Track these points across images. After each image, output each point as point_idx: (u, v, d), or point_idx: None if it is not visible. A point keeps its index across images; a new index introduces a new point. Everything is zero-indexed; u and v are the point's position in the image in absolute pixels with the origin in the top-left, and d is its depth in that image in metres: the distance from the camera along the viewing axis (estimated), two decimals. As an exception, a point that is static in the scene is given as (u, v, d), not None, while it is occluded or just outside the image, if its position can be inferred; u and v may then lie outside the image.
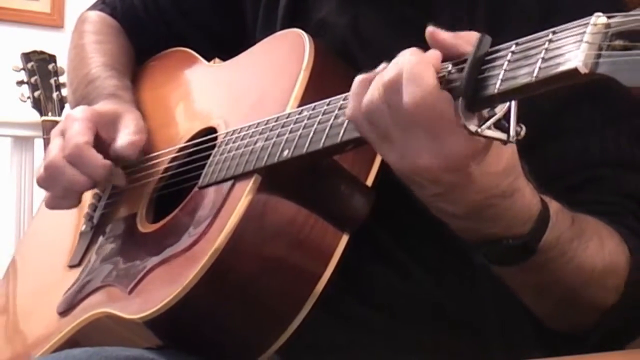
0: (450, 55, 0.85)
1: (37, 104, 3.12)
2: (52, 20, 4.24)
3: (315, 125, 0.96)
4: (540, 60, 0.76)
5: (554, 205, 0.94)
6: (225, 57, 1.30)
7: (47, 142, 2.98)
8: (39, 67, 3.15)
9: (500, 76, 0.79)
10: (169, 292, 0.98)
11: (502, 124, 0.82)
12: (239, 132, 1.07)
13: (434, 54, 0.85)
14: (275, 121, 1.02)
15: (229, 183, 1.03)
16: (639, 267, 1.00)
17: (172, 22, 1.39)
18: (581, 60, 0.73)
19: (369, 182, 1.03)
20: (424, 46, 0.86)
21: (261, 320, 1.00)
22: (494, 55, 0.81)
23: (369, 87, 0.87)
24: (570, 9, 0.87)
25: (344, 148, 0.96)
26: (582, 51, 0.73)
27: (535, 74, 0.76)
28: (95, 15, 1.45)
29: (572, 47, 0.74)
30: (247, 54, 1.21)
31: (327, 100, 0.97)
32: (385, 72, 0.86)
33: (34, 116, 3.16)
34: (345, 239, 1.01)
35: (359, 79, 0.90)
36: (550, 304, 1.01)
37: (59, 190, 1.18)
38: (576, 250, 0.95)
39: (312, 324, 0.99)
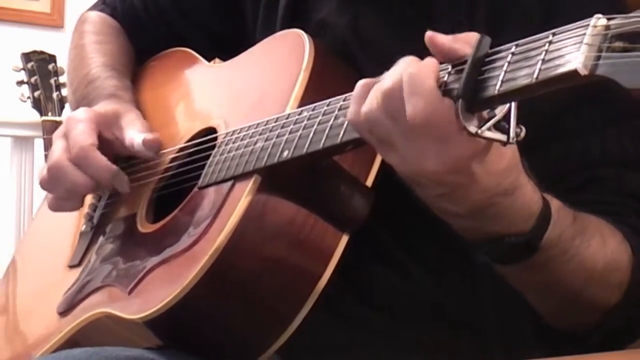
0: (450, 59, 0.85)
1: (37, 104, 3.12)
2: (52, 20, 4.24)
3: (315, 126, 0.96)
4: (540, 62, 0.76)
5: (555, 203, 0.95)
6: (225, 57, 1.30)
7: (47, 142, 2.99)
8: (39, 67, 3.15)
9: (501, 77, 0.79)
10: (169, 292, 0.98)
11: (502, 125, 0.82)
12: (239, 133, 1.07)
13: (432, 64, 0.85)
14: (275, 122, 1.02)
15: (229, 183, 1.03)
16: (641, 266, 1.00)
17: (172, 22, 1.39)
18: (581, 62, 0.73)
19: (369, 182, 1.03)
20: (424, 46, 0.86)
21: (261, 320, 1.00)
22: (493, 57, 0.81)
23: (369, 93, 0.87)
24: (571, 10, 0.87)
25: (344, 148, 0.96)
26: (582, 53, 0.73)
27: (535, 75, 0.77)
28: (96, 15, 1.45)
29: (572, 49, 0.74)
30: (247, 54, 1.21)
31: (327, 101, 0.98)
32: (384, 80, 0.86)
33: (34, 116, 3.16)
34: (345, 239, 1.01)
35: (361, 83, 0.90)
36: (552, 302, 1.01)
37: (62, 192, 1.18)
38: (578, 248, 0.96)
39: (312, 324, 0.99)
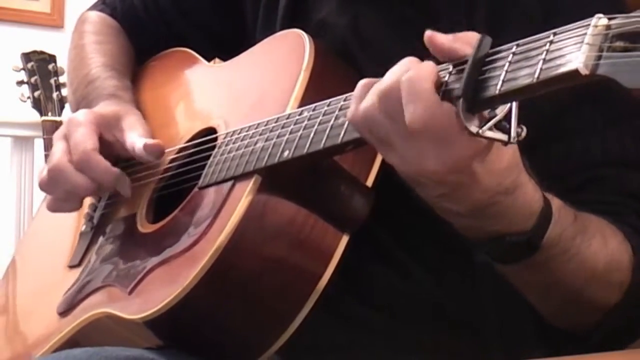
0: (449, 59, 0.85)
1: (37, 104, 3.12)
2: (52, 20, 4.24)
3: (315, 126, 0.96)
4: (541, 62, 0.76)
5: (556, 202, 0.95)
6: (225, 57, 1.30)
7: (47, 142, 2.99)
8: (39, 67, 3.15)
9: (502, 77, 0.79)
10: (169, 292, 0.98)
11: (503, 125, 0.83)
12: (239, 133, 1.07)
13: (430, 67, 0.85)
14: (276, 122, 1.02)
15: (229, 183, 1.03)
16: (642, 266, 1.00)
17: (172, 22, 1.39)
18: (582, 62, 0.73)
19: (369, 182, 1.03)
20: (424, 46, 0.86)
21: (261, 320, 1.00)
22: (494, 57, 0.81)
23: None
24: (571, 10, 0.87)
25: (345, 148, 0.96)
26: (583, 52, 0.73)
27: (536, 75, 0.77)
28: (96, 15, 1.45)
29: (573, 49, 0.74)
30: (247, 54, 1.21)
31: (327, 101, 0.98)
32: (382, 81, 0.86)
33: (34, 116, 3.16)
34: (345, 239, 1.01)
35: (361, 83, 0.90)
36: (553, 302, 1.01)
37: (62, 194, 1.18)
38: (579, 247, 0.96)
39: (312, 324, 0.99)
